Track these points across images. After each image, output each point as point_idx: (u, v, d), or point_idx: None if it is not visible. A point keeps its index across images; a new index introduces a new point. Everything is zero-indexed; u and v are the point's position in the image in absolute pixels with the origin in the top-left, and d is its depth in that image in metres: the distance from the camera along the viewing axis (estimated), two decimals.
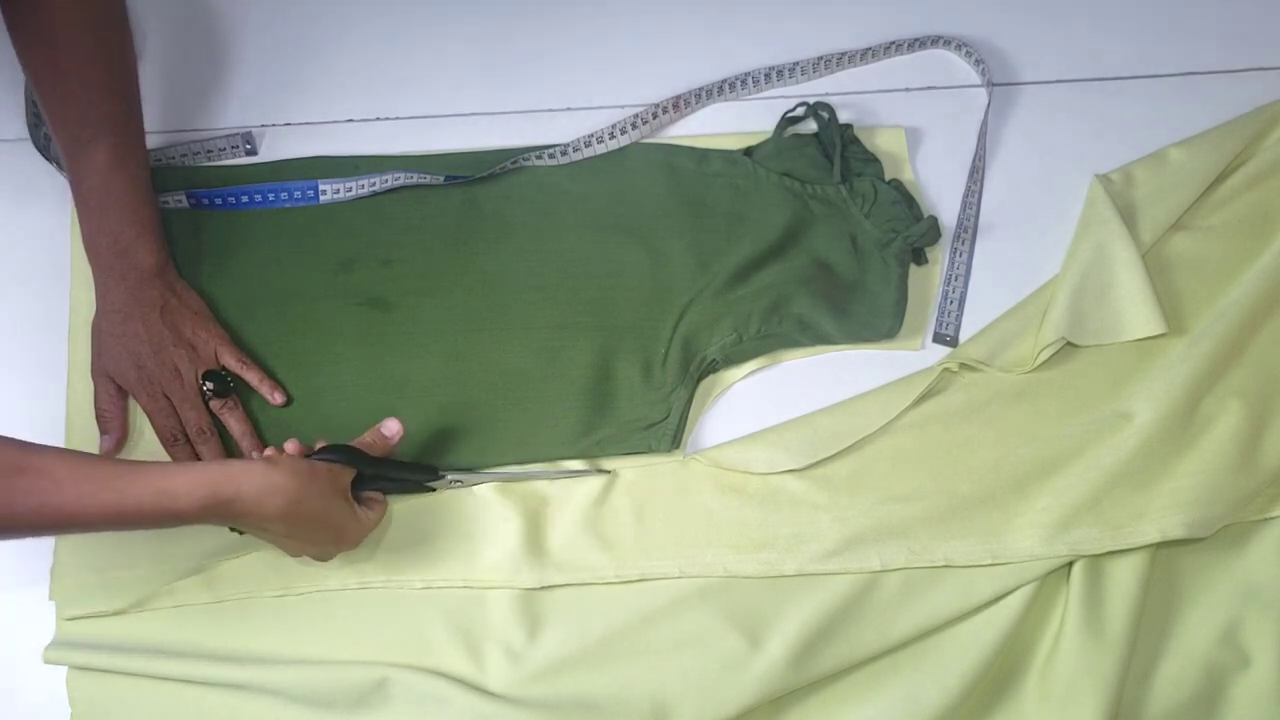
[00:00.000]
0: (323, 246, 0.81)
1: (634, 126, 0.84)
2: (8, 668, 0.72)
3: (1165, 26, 0.91)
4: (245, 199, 0.82)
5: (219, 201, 0.79)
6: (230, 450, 0.75)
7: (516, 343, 0.79)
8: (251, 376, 0.76)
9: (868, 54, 0.88)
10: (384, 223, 0.82)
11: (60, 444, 0.76)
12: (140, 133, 0.75)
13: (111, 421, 0.75)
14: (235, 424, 0.75)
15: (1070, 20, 0.91)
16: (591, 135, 0.84)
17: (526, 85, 0.87)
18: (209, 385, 0.74)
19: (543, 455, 0.77)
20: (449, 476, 0.73)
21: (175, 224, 0.81)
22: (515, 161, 0.83)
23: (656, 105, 0.85)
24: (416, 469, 0.74)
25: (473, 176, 0.83)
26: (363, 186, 0.82)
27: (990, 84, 0.88)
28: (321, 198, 0.82)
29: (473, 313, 0.80)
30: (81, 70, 0.70)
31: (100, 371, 0.75)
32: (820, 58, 0.88)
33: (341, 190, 0.82)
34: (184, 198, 0.80)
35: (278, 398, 0.76)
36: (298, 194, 0.82)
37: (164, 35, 0.87)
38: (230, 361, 0.76)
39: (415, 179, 0.82)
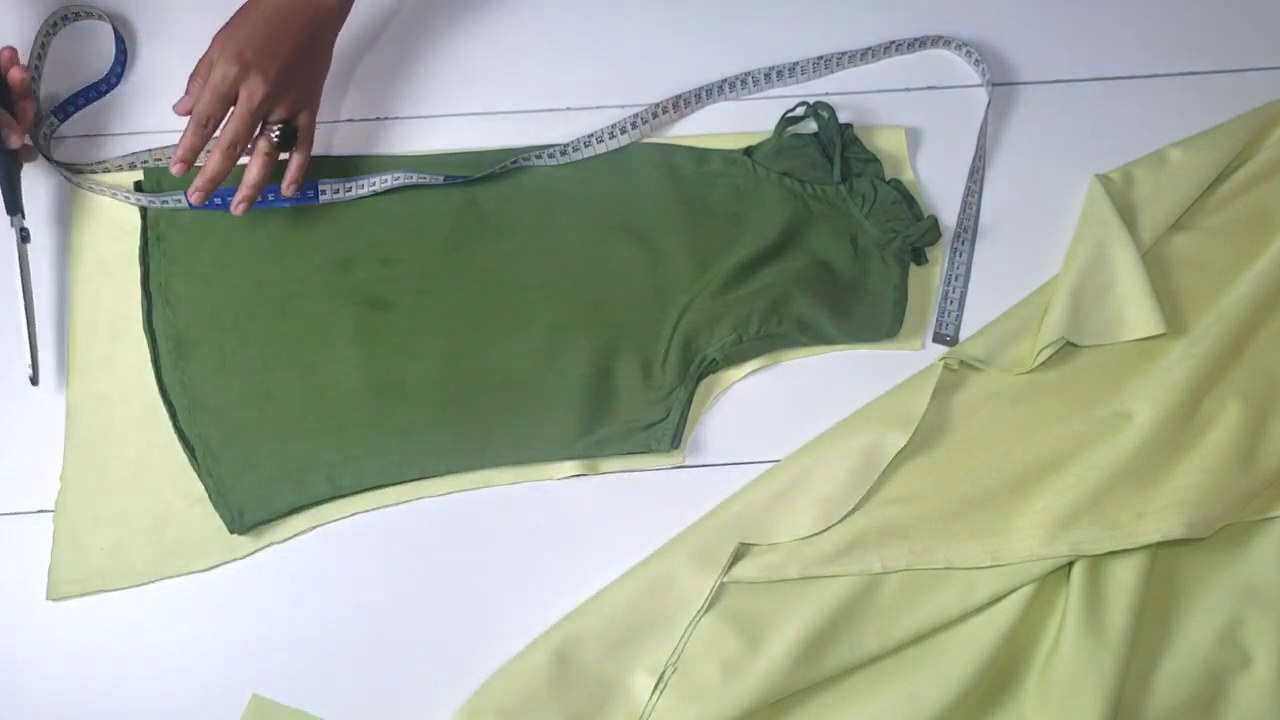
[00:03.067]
0: (322, 246, 0.81)
1: (634, 126, 0.84)
2: (8, 668, 0.72)
3: (1165, 26, 0.91)
4: None
5: (219, 201, 0.79)
6: None
7: (516, 342, 0.79)
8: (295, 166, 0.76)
9: (867, 54, 0.88)
10: (384, 222, 0.82)
11: (59, 450, 0.76)
12: None
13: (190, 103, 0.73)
14: (256, 171, 0.75)
15: (1070, 20, 0.91)
16: (591, 135, 0.84)
17: (526, 85, 0.87)
18: (277, 131, 0.74)
19: (543, 455, 0.77)
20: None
21: (175, 223, 0.81)
22: (515, 161, 0.83)
23: (656, 105, 0.85)
24: None
25: (472, 177, 0.82)
26: (362, 187, 0.82)
27: (990, 84, 0.87)
28: (321, 198, 0.82)
29: (472, 313, 0.80)
30: None
31: (220, 41, 0.72)
32: (820, 57, 0.88)
33: (341, 190, 0.81)
34: (183, 197, 0.80)
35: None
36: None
37: (164, 35, 0.87)
38: (301, 149, 0.76)
39: (415, 179, 0.82)
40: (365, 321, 0.79)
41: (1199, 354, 0.77)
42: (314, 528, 0.75)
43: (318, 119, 0.80)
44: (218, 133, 0.74)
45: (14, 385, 0.78)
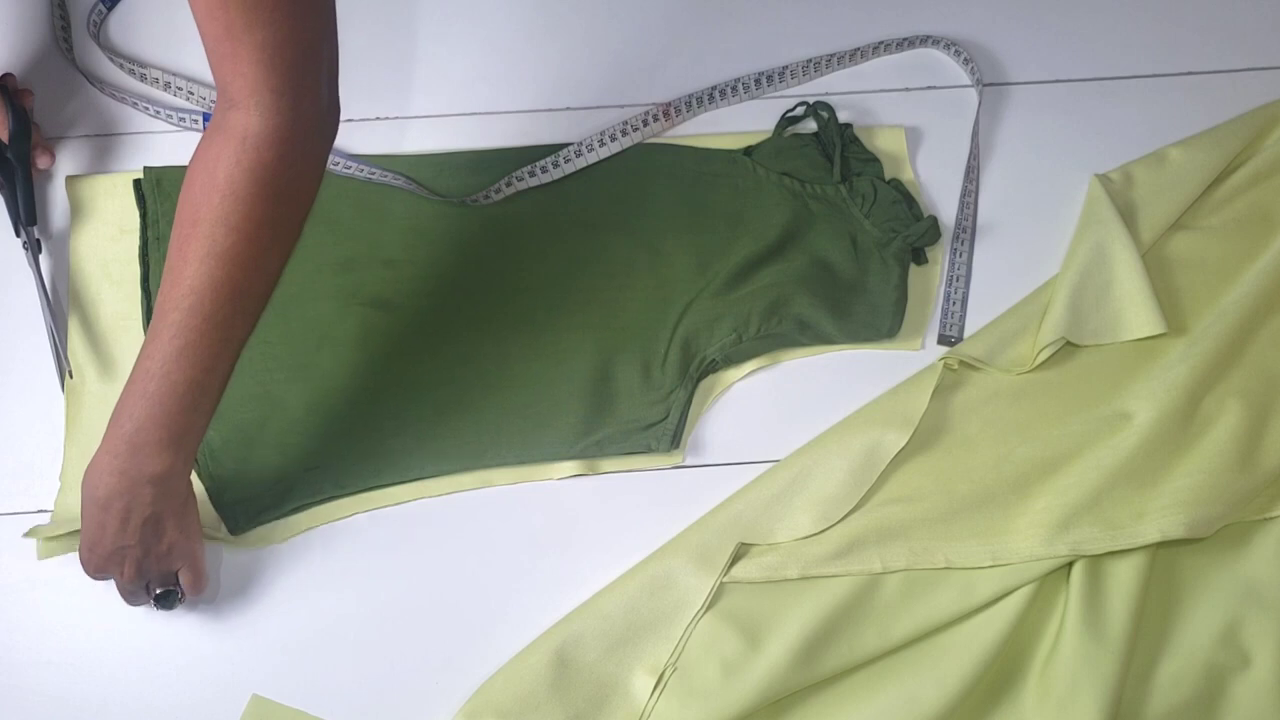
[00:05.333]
0: (324, 248, 0.81)
1: (624, 134, 0.84)
2: (8, 667, 0.72)
3: (1165, 26, 0.91)
4: None
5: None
6: None
7: (517, 343, 0.79)
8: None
9: (856, 54, 0.88)
10: (385, 224, 0.82)
11: (59, 450, 0.76)
12: (235, 341, 0.63)
13: None
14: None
15: (1071, 20, 0.91)
16: (581, 143, 0.83)
17: (526, 85, 0.87)
18: (157, 595, 0.69)
19: (543, 455, 0.77)
20: None
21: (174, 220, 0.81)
22: (509, 182, 0.82)
23: (647, 112, 0.85)
24: None
25: (465, 200, 0.82)
26: (362, 169, 0.82)
27: (980, 84, 0.88)
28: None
29: (473, 314, 0.80)
30: (209, 239, 0.60)
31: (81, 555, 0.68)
32: (810, 60, 0.88)
33: (341, 164, 0.82)
34: (200, 119, 0.82)
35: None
36: None
37: (164, 36, 0.87)
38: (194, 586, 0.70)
39: (410, 186, 0.82)
40: (366, 323, 0.79)
41: (1199, 354, 0.77)
42: (314, 528, 0.75)
43: None
44: None
45: (14, 385, 0.78)
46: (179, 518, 0.67)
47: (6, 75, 0.82)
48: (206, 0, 0.56)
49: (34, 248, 0.78)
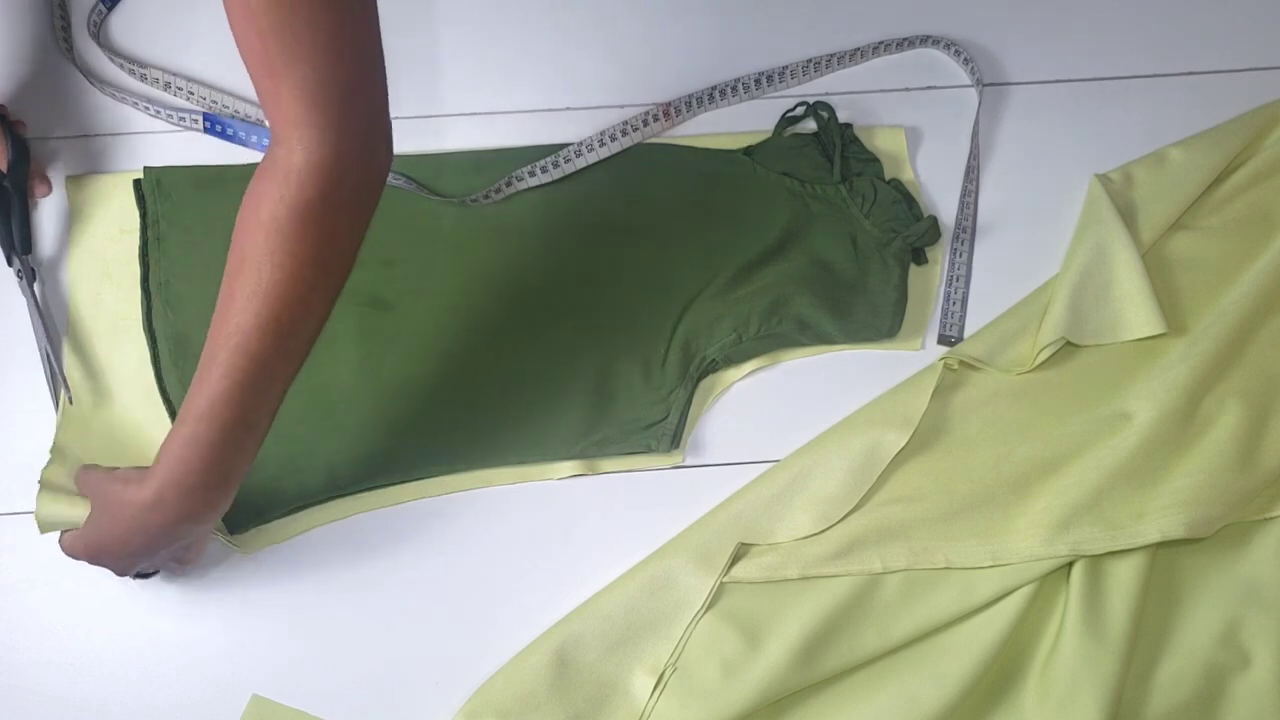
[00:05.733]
0: None
1: (624, 134, 0.84)
2: (8, 667, 0.72)
3: (1165, 26, 0.91)
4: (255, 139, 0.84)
5: (230, 132, 0.82)
6: None
7: (516, 343, 0.79)
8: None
9: (856, 54, 0.88)
10: (384, 223, 0.81)
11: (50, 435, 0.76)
12: (281, 380, 0.62)
13: None
14: None
15: (1070, 20, 0.91)
16: (581, 144, 0.83)
17: (526, 85, 0.87)
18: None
19: (542, 455, 0.77)
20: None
21: (175, 223, 0.81)
22: (509, 182, 0.82)
23: (646, 112, 0.84)
24: None
25: (465, 200, 0.82)
26: None
27: (980, 84, 0.88)
28: None
29: (473, 313, 0.80)
30: (255, 278, 0.59)
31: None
32: (810, 60, 0.88)
33: None
34: (200, 119, 0.83)
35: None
36: None
37: (164, 36, 0.87)
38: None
39: (410, 186, 0.82)
40: (365, 322, 0.79)
41: (1199, 354, 0.77)
42: (314, 528, 0.75)
43: None
44: None
45: (14, 385, 0.78)
46: (202, 538, 0.69)
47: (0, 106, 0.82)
48: (248, 39, 0.56)
49: (28, 275, 0.78)
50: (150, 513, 0.62)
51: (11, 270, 0.78)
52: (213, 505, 0.63)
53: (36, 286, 0.79)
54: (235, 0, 0.56)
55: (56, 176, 0.82)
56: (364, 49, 0.59)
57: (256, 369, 0.60)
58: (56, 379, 0.77)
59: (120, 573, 0.68)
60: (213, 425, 0.60)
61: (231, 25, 0.56)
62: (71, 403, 0.76)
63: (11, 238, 0.78)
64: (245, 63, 0.57)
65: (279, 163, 0.58)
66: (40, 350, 0.77)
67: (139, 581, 0.72)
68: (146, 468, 0.63)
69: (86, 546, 0.66)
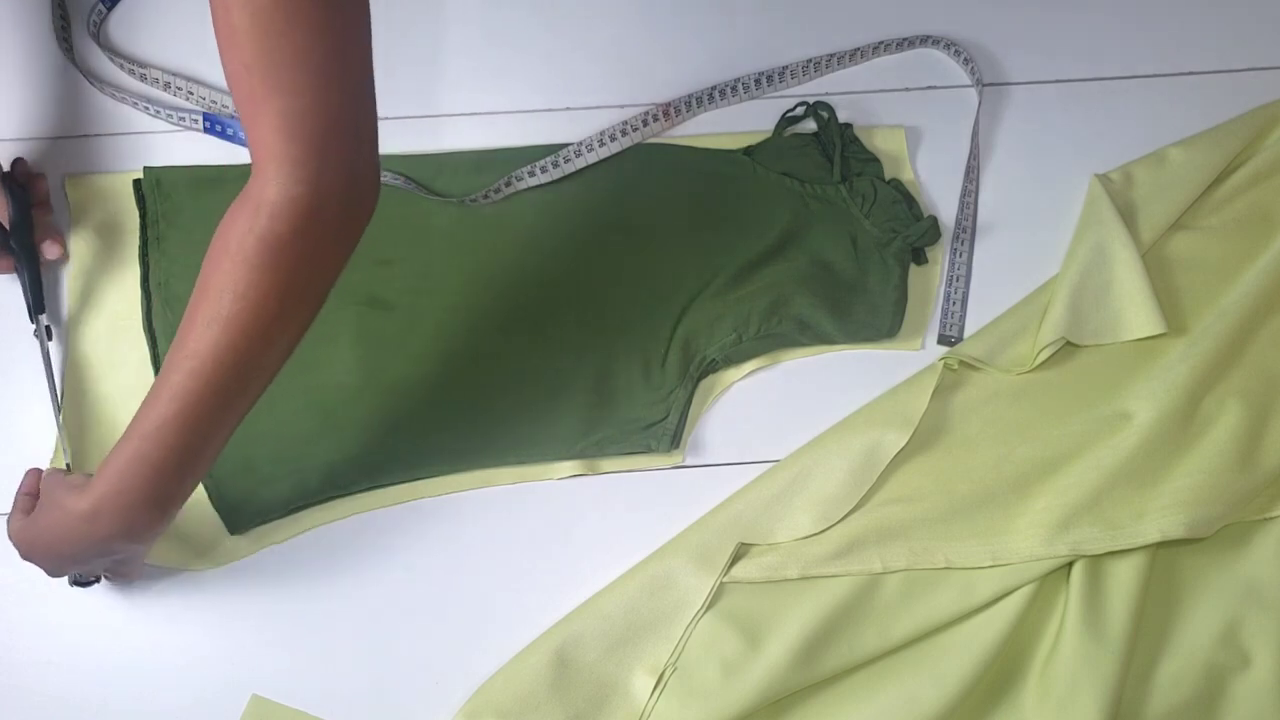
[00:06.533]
0: None
1: (624, 134, 0.84)
2: (8, 668, 0.72)
3: (1165, 26, 0.91)
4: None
5: (230, 132, 0.82)
6: None
7: (516, 343, 0.79)
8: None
9: (856, 54, 0.88)
10: (382, 222, 0.81)
11: (51, 442, 0.76)
12: (235, 411, 0.61)
13: None
14: None
15: (1070, 20, 0.91)
16: (581, 144, 0.83)
17: (526, 85, 0.87)
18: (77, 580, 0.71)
19: (542, 455, 0.77)
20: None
21: (175, 223, 0.81)
22: (508, 182, 0.82)
23: (647, 112, 0.84)
24: None
25: (464, 200, 0.82)
26: None
27: (980, 84, 0.88)
28: None
29: (472, 313, 0.80)
30: (215, 304, 0.58)
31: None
32: (810, 60, 0.88)
33: None
34: (200, 119, 0.83)
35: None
36: None
37: (164, 36, 0.87)
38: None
39: (409, 186, 0.82)
40: (364, 321, 0.79)
41: (1199, 354, 0.77)
42: (314, 528, 0.75)
43: None
44: None
45: (13, 385, 0.78)
46: (138, 555, 0.67)
47: (17, 160, 0.80)
48: (232, 66, 0.55)
49: (43, 335, 0.77)
50: (84, 523, 0.62)
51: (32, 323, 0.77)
52: (149, 525, 0.62)
53: (53, 347, 0.77)
54: (222, 27, 0.54)
55: (56, 176, 0.82)
56: (351, 84, 0.58)
57: (209, 395, 0.59)
58: (61, 439, 0.76)
59: (50, 574, 0.68)
60: (157, 446, 0.60)
61: (219, 51, 0.55)
62: (70, 470, 0.74)
63: (27, 297, 0.77)
64: (230, 89, 0.56)
65: (252, 194, 0.56)
66: (53, 412, 0.76)
67: (79, 589, 0.71)
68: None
69: (21, 541, 0.66)
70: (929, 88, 0.89)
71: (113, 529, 0.62)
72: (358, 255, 0.80)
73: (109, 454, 0.61)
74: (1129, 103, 0.88)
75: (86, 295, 0.80)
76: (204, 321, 0.58)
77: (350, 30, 0.57)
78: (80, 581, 0.71)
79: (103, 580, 0.72)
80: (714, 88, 0.86)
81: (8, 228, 0.77)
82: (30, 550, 0.66)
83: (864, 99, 0.88)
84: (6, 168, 0.79)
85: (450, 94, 0.87)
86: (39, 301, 0.77)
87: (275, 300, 0.58)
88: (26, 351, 0.77)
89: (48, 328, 0.77)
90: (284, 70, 0.54)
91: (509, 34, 0.89)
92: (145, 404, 0.60)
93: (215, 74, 0.86)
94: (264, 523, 0.75)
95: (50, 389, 0.76)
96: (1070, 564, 0.73)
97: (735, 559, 0.73)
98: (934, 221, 0.81)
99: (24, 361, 0.77)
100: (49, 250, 0.78)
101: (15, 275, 0.78)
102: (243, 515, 0.74)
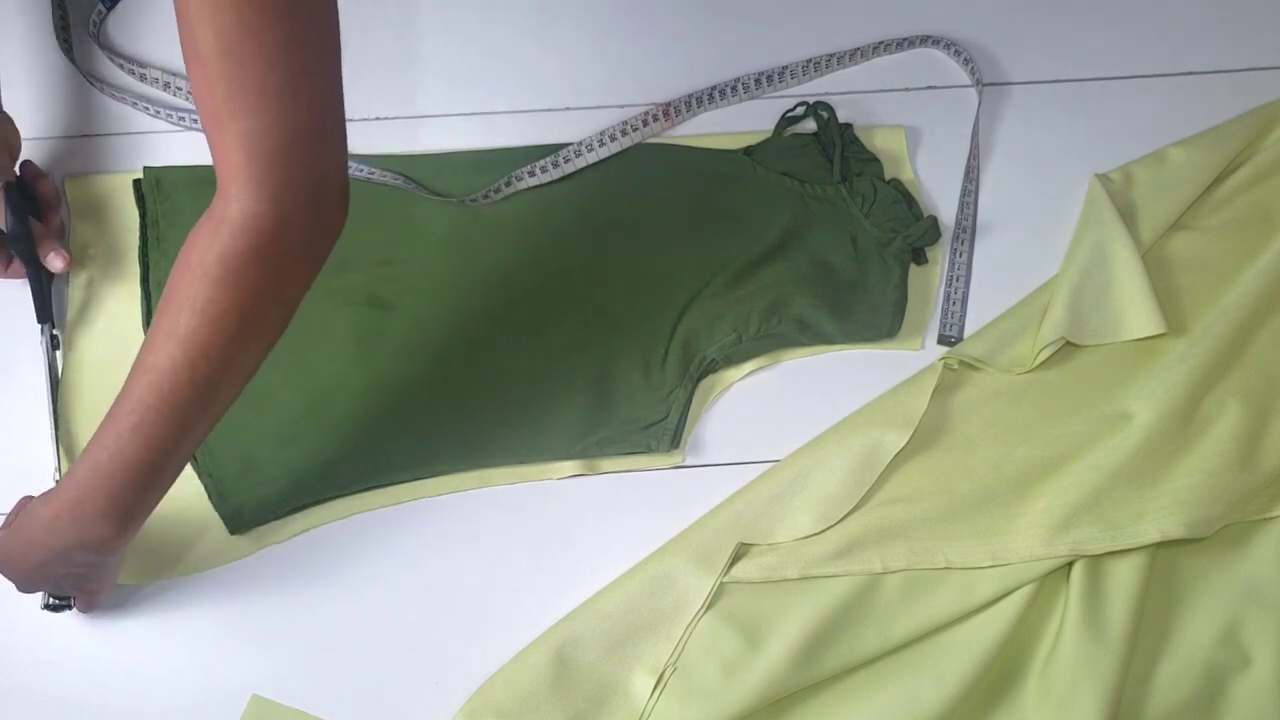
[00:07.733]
0: None
1: (624, 134, 0.84)
2: (8, 668, 0.72)
3: (1165, 26, 0.91)
4: None
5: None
6: None
7: (515, 343, 0.79)
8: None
9: (856, 54, 0.88)
10: (381, 223, 0.82)
11: (50, 451, 0.76)
12: (195, 428, 0.61)
13: None
14: None
15: (1070, 20, 0.91)
16: (581, 143, 0.83)
17: (526, 85, 0.87)
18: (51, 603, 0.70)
19: (542, 455, 0.77)
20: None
21: (175, 223, 0.81)
22: (509, 182, 0.82)
23: (647, 112, 0.85)
24: None
25: (464, 200, 0.82)
26: (360, 169, 0.82)
27: (980, 84, 0.88)
28: None
29: (472, 313, 0.80)
30: (174, 319, 0.57)
31: None
32: (810, 60, 0.88)
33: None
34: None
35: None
36: None
37: (164, 36, 0.87)
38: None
39: (409, 186, 0.82)
40: (364, 322, 0.79)
41: (1199, 353, 0.77)
42: (314, 528, 0.75)
43: None
44: None
45: (13, 385, 0.78)
46: (101, 574, 0.67)
47: (25, 163, 0.79)
48: (197, 83, 0.54)
49: (49, 344, 0.76)
50: (45, 532, 0.62)
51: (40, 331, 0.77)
52: (109, 537, 0.62)
53: (59, 355, 0.77)
54: (187, 44, 0.54)
55: (56, 176, 0.82)
56: (319, 104, 0.57)
57: (167, 411, 0.59)
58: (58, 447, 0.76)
59: (20, 588, 0.67)
60: (115, 458, 0.59)
61: (185, 67, 0.55)
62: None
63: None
64: (195, 106, 0.56)
65: (215, 211, 0.56)
66: (49, 419, 0.76)
67: (51, 613, 0.71)
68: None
69: None
70: (929, 88, 0.89)
71: (71, 539, 0.62)
72: (358, 255, 0.81)
73: (75, 461, 0.61)
74: (1129, 103, 0.88)
75: (86, 295, 0.80)
76: (163, 335, 0.58)
77: (316, 46, 0.56)
78: (52, 605, 0.70)
79: (73, 608, 0.71)
80: (714, 88, 0.86)
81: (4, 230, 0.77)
82: (3, 562, 0.66)
83: (864, 99, 0.88)
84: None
85: (450, 94, 0.87)
86: (45, 311, 0.77)
87: (235, 317, 0.58)
88: (34, 354, 0.77)
89: (54, 336, 0.77)
90: (249, 90, 0.54)
91: (510, 34, 0.89)
92: (107, 416, 0.60)
93: None
94: (264, 523, 0.75)
95: (50, 401, 0.76)
96: (1070, 564, 0.73)
97: (735, 559, 0.73)
98: (934, 221, 0.81)
99: (30, 364, 0.77)
100: (53, 263, 0.77)
101: (28, 281, 0.78)
102: (243, 515, 0.74)
